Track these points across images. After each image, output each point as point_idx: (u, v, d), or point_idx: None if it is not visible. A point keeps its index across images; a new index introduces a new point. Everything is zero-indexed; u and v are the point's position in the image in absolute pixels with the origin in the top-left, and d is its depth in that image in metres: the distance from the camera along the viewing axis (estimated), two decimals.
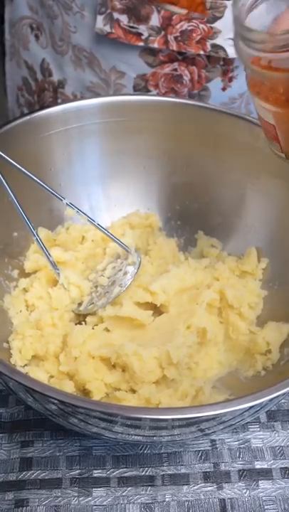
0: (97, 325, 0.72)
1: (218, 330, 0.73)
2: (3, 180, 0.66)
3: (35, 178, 0.69)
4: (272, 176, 0.75)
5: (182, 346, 0.67)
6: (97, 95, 0.91)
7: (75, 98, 0.93)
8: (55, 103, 0.94)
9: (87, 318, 0.73)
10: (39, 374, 0.66)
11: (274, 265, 0.78)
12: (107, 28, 0.80)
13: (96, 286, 0.75)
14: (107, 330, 0.71)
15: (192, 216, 0.84)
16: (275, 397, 0.52)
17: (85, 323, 0.72)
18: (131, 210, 0.84)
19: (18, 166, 0.68)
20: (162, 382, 0.67)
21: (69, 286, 0.73)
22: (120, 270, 0.75)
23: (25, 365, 0.68)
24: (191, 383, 0.66)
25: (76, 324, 0.73)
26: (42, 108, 0.73)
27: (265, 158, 0.75)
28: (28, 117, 0.72)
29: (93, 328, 0.71)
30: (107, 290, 0.73)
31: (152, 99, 0.78)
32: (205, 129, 0.77)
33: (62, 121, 0.74)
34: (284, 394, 0.52)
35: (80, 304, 0.74)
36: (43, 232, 0.78)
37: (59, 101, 0.95)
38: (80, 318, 0.74)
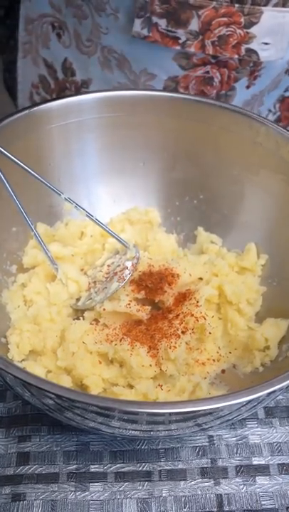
0: (95, 320, 0.72)
1: (217, 326, 0.73)
2: (2, 175, 0.66)
3: (33, 173, 0.68)
4: (271, 172, 0.75)
5: (180, 342, 0.67)
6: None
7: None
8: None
9: (85, 314, 0.73)
10: (36, 369, 0.66)
11: (273, 261, 0.77)
12: (145, 32, 0.81)
13: (94, 282, 0.75)
14: (105, 325, 0.71)
15: (192, 212, 0.83)
16: (272, 392, 0.52)
17: (83, 319, 0.72)
18: (130, 205, 0.84)
19: (17, 160, 0.67)
20: (160, 377, 0.67)
21: (67, 282, 0.73)
22: (119, 266, 0.74)
23: (23, 360, 0.68)
24: (189, 379, 0.66)
25: (74, 319, 0.73)
26: (42, 102, 0.73)
27: (265, 153, 0.75)
28: (27, 111, 0.72)
29: (91, 324, 0.71)
30: (105, 285, 0.73)
31: (152, 94, 0.78)
32: (205, 124, 0.77)
33: (62, 115, 0.74)
34: (281, 389, 0.52)
35: (78, 300, 0.74)
36: (41, 228, 0.78)
37: None
38: (78, 313, 0.74)
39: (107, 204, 0.83)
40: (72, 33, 0.90)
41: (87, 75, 0.93)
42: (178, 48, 0.82)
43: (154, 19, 0.80)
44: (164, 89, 0.88)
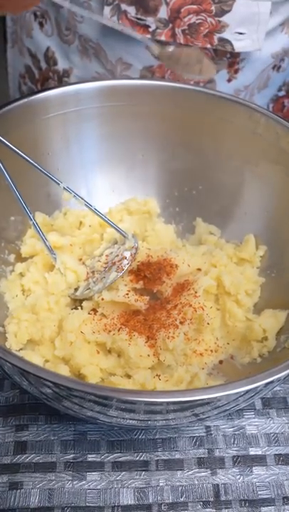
0: (93, 310, 0.71)
1: (215, 316, 0.73)
2: (1, 164, 0.66)
3: (32, 162, 0.68)
4: (271, 163, 0.75)
5: (178, 332, 0.67)
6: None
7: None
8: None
9: (84, 303, 0.72)
10: (34, 358, 0.66)
11: (272, 253, 0.77)
12: (114, 19, 0.80)
13: (93, 272, 0.75)
14: (103, 315, 0.71)
15: (191, 203, 0.83)
16: (269, 383, 0.52)
17: (81, 308, 0.72)
18: (129, 196, 0.83)
19: (15, 149, 0.67)
20: (158, 367, 0.67)
21: (65, 271, 0.73)
22: (117, 256, 0.74)
23: (21, 349, 0.68)
24: (187, 369, 0.66)
25: (72, 309, 0.72)
26: (40, 91, 0.72)
27: (265, 144, 0.75)
28: (25, 100, 0.72)
29: (89, 313, 0.71)
30: (103, 275, 0.73)
31: (151, 83, 0.77)
32: (204, 115, 0.77)
33: (61, 104, 0.74)
34: (278, 379, 0.52)
35: (76, 289, 0.74)
36: (40, 217, 0.78)
37: None
38: (77, 303, 0.74)
39: (106, 194, 0.83)
40: (54, 21, 0.89)
41: (69, 64, 0.91)
42: (149, 36, 0.80)
43: (123, 6, 0.78)
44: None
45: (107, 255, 0.76)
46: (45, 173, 0.70)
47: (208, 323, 0.70)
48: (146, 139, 0.80)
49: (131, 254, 0.73)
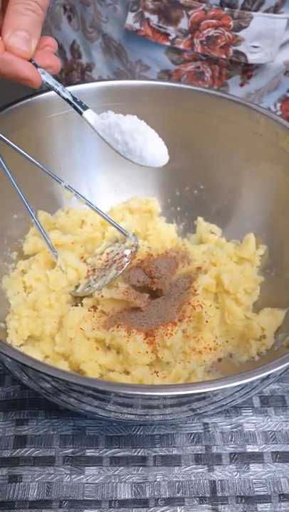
0: (93, 307, 0.72)
1: (214, 315, 0.73)
2: (3, 163, 0.67)
3: (34, 161, 0.69)
4: (271, 163, 0.75)
5: (176, 329, 0.67)
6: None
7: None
8: None
9: (84, 300, 0.73)
10: (34, 354, 0.67)
11: (272, 252, 0.78)
12: (137, 25, 0.83)
13: (94, 270, 0.76)
14: (102, 312, 0.71)
15: (192, 202, 0.84)
16: (265, 378, 0.52)
17: (82, 305, 0.73)
18: (131, 195, 0.84)
19: (18, 148, 0.68)
20: (156, 364, 0.68)
21: (66, 269, 0.74)
22: (118, 254, 0.75)
23: (21, 345, 0.69)
24: (184, 366, 0.67)
25: (73, 306, 0.73)
26: (42, 91, 0.73)
27: (265, 144, 0.75)
28: (29, 99, 0.73)
29: (89, 310, 0.72)
30: (104, 273, 0.74)
31: (152, 83, 0.78)
32: (205, 115, 0.78)
33: (63, 104, 0.74)
34: (274, 375, 0.53)
35: (77, 287, 0.75)
36: (42, 216, 0.79)
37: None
38: (77, 300, 0.75)
39: (108, 193, 0.84)
40: (80, 17, 0.92)
41: (91, 59, 0.94)
42: (168, 43, 0.84)
43: (146, 14, 0.82)
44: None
45: (108, 253, 0.76)
46: (47, 172, 0.71)
47: (207, 321, 0.71)
48: None
49: (131, 252, 0.74)
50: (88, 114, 0.60)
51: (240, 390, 0.54)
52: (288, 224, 0.75)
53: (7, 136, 0.67)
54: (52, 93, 0.74)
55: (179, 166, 0.82)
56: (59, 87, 0.60)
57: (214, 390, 0.50)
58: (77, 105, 0.60)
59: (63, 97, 0.60)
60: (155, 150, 0.58)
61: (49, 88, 0.61)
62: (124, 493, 0.63)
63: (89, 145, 0.80)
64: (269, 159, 0.75)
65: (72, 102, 0.60)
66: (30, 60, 0.57)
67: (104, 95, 0.76)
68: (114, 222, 0.75)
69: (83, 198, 0.73)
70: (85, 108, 0.60)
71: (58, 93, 0.60)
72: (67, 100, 0.60)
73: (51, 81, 0.59)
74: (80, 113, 0.60)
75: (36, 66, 0.58)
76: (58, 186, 0.74)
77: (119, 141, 0.58)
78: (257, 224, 0.79)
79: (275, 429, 0.68)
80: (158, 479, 0.64)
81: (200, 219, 0.83)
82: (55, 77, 0.60)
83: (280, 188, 0.76)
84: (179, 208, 0.85)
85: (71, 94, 0.60)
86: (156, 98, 0.77)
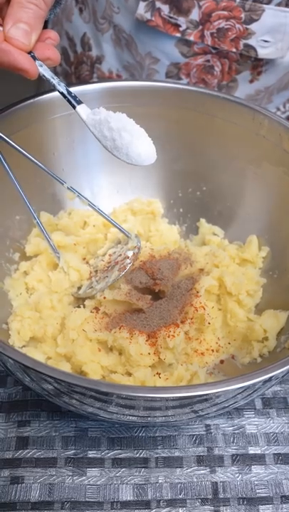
0: (95, 308, 0.72)
1: (216, 316, 0.73)
2: (6, 164, 0.67)
3: (36, 161, 0.69)
4: (274, 165, 0.75)
5: (178, 331, 0.67)
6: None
7: (110, 75, 0.95)
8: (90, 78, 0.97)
9: (86, 302, 0.73)
10: (37, 355, 0.67)
11: (274, 254, 0.78)
12: (148, 15, 0.83)
13: (96, 271, 0.76)
14: (105, 313, 0.71)
15: (194, 204, 0.84)
16: (267, 380, 0.52)
17: (84, 307, 0.73)
18: (133, 196, 0.84)
19: (20, 149, 0.68)
20: (158, 366, 0.68)
21: (69, 270, 0.74)
22: (120, 255, 0.75)
23: (24, 346, 0.69)
24: (187, 368, 0.67)
25: (75, 307, 0.73)
26: (45, 92, 0.73)
27: (268, 146, 0.75)
28: (32, 100, 0.73)
29: (91, 312, 0.72)
30: (106, 274, 0.74)
31: (155, 85, 0.78)
32: (208, 116, 0.78)
33: (66, 105, 0.74)
34: (276, 377, 0.52)
35: (79, 288, 0.75)
36: (45, 217, 0.79)
37: (94, 75, 0.97)
38: (79, 301, 0.75)
39: (111, 194, 0.84)
40: (91, 8, 0.92)
41: (101, 52, 0.95)
42: (178, 35, 0.83)
43: (158, 4, 0.82)
44: (167, 75, 0.89)
45: (110, 255, 0.76)
46: (50, 173, 0.71)
47: (209, 323, 0.71)
48: None
49: (133, 254, 0.74)
50: (81, 109, 0.60)
51: (242, 392, 0.54)
52: None
53: (10, 137, 0.67)
54: (54, 94, 0.75)
55: (181, 168, 0.82)
56: (55, 81, 0.61)
57: (216, 392, 0.50)
58: (72, 99, 0.61)
59: (58, 91, 0.61)
60: (141, 149, 0.58)
61: (52, 88, 0.61)
62: (126, 494, 0.63)
63: (92, 146, 0.80)
64: (272, 161, 0.75)
65: (67, 95, 0.61)
66: (30, 53, 0.58)
67: (107, 96, 0.76)
68: (116, 224, 0.75)
69: (86, 199, 0.73)
70: (79, 103, 0.61)
71: (54, 86, 0.61)
72: (62, 94, 0.61)
73: (48, 74, 0.60)
74: (74, 107, 0.61)
75: (35, 59, 0.59)
76: (61, 187, 0.74)
77: (107, 137, 0.59)
78: (259, 226, 0.79)
79: (277, 431, 0.68)
80: (160, 481, 0.64)
81: (202, 220, 0.83)
82: (53, 70, 0.61)
83: (282, 189, 0.75)
84: (181, 210, 0.85)
85: (66, 88, 0.61)
86: (159, 99, 0.77)
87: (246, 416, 0.69)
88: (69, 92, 0.61)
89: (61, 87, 0.61)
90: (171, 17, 0.81)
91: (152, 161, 0.60)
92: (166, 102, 0.78)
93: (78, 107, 0.60)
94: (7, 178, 0.68)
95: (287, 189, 0.75)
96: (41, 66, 0.59)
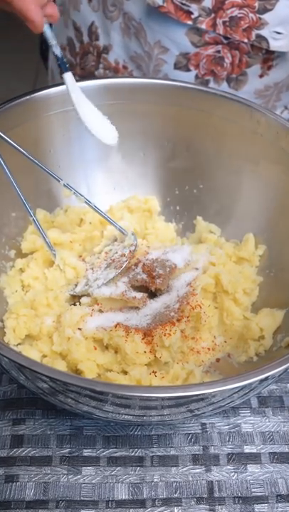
0: (91, 306, 0.72)
1: (213, 315, 0.73)
2: (1, 161, 0.66)
3: (32, 158, 0.69)
4: (271, 163, 0.75)
5: (175, 329, 0.67)
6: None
7: (116, 66, 0.94)
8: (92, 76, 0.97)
9: (82, 299, 0.73)
10: (32, 353, 0.67)
11: (271, 252, 0.78)
12: (159, 1, 0.81)
13: (92, 268, 0.75)
14: (100, 311, 0.71)
15: (191, 201, 0.84)
16: (264, 380, 0.52)
17: (80, 304, 0.72)
18: (130, 194, 0.84)
19: (16, 146, 0.68)
20: (154, 364, 0.68)
21: (65, 268, 0.74)
22: (116, 253, 0.75)
23: (19, 344, 0.69)
24: (183, 366, 0.67)
25: (71, 305, 0.73)
26: (41, 88, 0.73)
27: (265, 144, 0.75)
28: (28, 97, 0.72)
29: (88, 310, 0.71)
30: (102, 272, 0.73)
31: (153, 82, 0.78)
32: (206, 114, 0.77)
33: (62, 102, 0.74)
34: (272, 376, 0.52)
35: (75, 285, 0.75)
36: (41, 214, 0.79)
37: (100, 65, 0.96)
38: (75, 299, 0.74)
39: (107, 191, 0.83)
40: None
41: (109, 41, 0.93)
42: (190, 22, 0.82)
43: None
44: (175, 66, 0.88)
45: (106, 252, 0.76)
46: (46, 170, 0.71)
47: (205, 322, 0.71)
48: (147, 138, 0.81)
49: (130, 252, 0.73)
50: (68, 76, 0.67)
51: (238, 391, 0.53)
52: (288, 224, 0.75)
53: (5, 134, 0.67)
54: (51, 91, 0.75)
55: (178, 165, 0.82)
56: (53, 42, 0.65)
57: (212, 392, 0.50)
58: (62, 65, 0.66)
59: (53, 52, 0.66)
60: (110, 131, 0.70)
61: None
62: (122, 493, 0.62)
63: (88, 143, 0.80)
64: (269, 159, 0.75)
65: (59, 59, 0.66)
66: None
67: (104, 93, 0.76)
68: (113, 221, 0.75)
69: (82, 196, 0.73)
70: (68, 70, 0.66)
71: (51, 47, 0.66)
72: (56, 56, 0.66)
73: (49, 33, 0.65)
74: (62, 73, 0.67)
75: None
76: (57, 184, 0.74)
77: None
78: (256, 224, 0.79)
79: (272, 430, 0.68)
80: (155, 479, 0.64)
81: (199, 218, 0.83)
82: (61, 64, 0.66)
83: (279, 188, 0.75)
84: (178, 207, 0.84)
85: (61, 53, 0.66)
86: (157, 96, 0.77)
87: (242, 415, 0.69)
88: (62, 58, 0.67)
89: (57, 50, 0.66)
90: (183, 3, 0.80)
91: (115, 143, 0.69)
92: (163, 99, 0.77)
93: (65, 74, 0.66)
94: (3, 175, 0.67)
95: (285, 187, 0.75)
96: (46, 24, 0.63)
